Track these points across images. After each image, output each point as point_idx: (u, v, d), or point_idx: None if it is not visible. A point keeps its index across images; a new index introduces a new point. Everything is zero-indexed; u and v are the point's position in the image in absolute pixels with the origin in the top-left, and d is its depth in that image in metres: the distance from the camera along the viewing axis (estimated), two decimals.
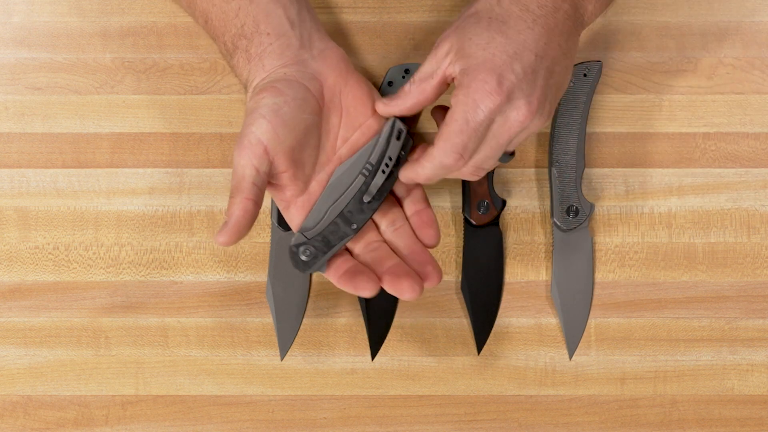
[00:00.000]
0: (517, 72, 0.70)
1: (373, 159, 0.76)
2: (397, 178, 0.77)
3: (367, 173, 0.76)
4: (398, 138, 0.76)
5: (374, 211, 0.76)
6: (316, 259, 0.74)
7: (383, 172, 0.76)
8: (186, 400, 0.87)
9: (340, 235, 0.75)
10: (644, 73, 0.88)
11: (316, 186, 0.76)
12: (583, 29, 0.76)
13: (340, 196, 0.76)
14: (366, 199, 0.75)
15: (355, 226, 0.75)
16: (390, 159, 0.76)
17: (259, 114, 0.72)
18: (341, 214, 0.75)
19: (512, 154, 0.76)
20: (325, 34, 0.78)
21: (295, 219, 0.76)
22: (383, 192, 0.76)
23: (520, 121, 0.71)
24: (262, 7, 0.75)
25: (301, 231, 0.75)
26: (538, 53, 0.71)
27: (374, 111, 0.77)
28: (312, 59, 0.76)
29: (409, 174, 0.75)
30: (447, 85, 0.74)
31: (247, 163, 0.71)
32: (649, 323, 0.87)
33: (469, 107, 0.70)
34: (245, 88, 0.76)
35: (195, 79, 0.88)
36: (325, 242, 0.74)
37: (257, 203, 0.71)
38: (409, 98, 0.75)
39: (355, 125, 0.77)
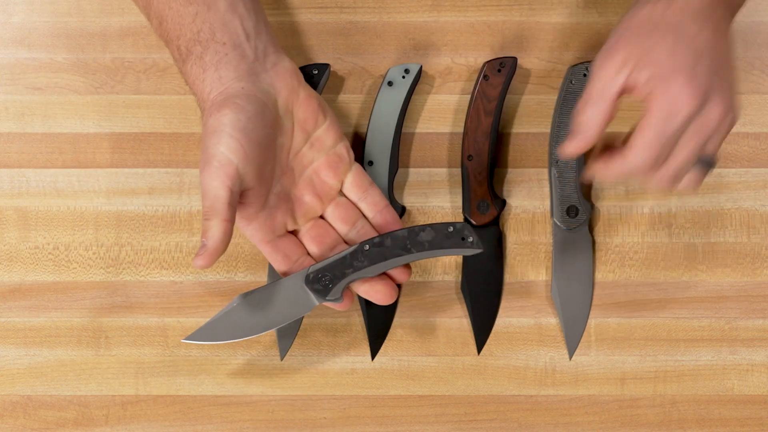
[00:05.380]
0: (706, 73, 0.71)
1: None
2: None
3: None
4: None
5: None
6: (332, 285, 0.76)
7: None
8: (186, 400, 0.86)
9: (348, 265, 0.76)
10: None
11: (274, 199, 0.77)
12: (735, 15, 0.77)
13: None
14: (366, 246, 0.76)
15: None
16: None
17: (225, 133, 0.72)
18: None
19: (712, 164, 0.76)
20: (279, 48, 0.78)
21: (256, 235, 0.77)
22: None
23: (717, 119, 0.72)
24: (219, 16, 0.75)
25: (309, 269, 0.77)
26: (717, 51, 0.72)
27: (322, 123, 0.79)
28: (266, 72, 0.76)
29: (595, 172, 0.75)
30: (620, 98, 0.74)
31: (220, 185, 0.71)
32: (649, 323, 0.87)
33: (667, 113, 0.71)
34: (197, 97, 0.76)
35: None
36: (338, 272, 0.76)
37: (232, 223, 0.72)
38: (593, 124, 0.73)
39: (305, 138, 0.78)
